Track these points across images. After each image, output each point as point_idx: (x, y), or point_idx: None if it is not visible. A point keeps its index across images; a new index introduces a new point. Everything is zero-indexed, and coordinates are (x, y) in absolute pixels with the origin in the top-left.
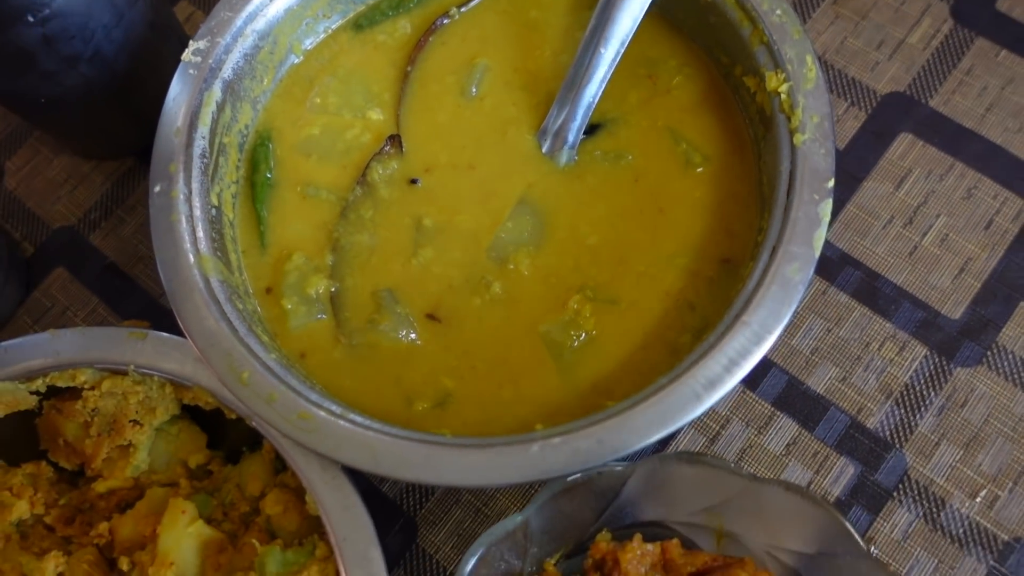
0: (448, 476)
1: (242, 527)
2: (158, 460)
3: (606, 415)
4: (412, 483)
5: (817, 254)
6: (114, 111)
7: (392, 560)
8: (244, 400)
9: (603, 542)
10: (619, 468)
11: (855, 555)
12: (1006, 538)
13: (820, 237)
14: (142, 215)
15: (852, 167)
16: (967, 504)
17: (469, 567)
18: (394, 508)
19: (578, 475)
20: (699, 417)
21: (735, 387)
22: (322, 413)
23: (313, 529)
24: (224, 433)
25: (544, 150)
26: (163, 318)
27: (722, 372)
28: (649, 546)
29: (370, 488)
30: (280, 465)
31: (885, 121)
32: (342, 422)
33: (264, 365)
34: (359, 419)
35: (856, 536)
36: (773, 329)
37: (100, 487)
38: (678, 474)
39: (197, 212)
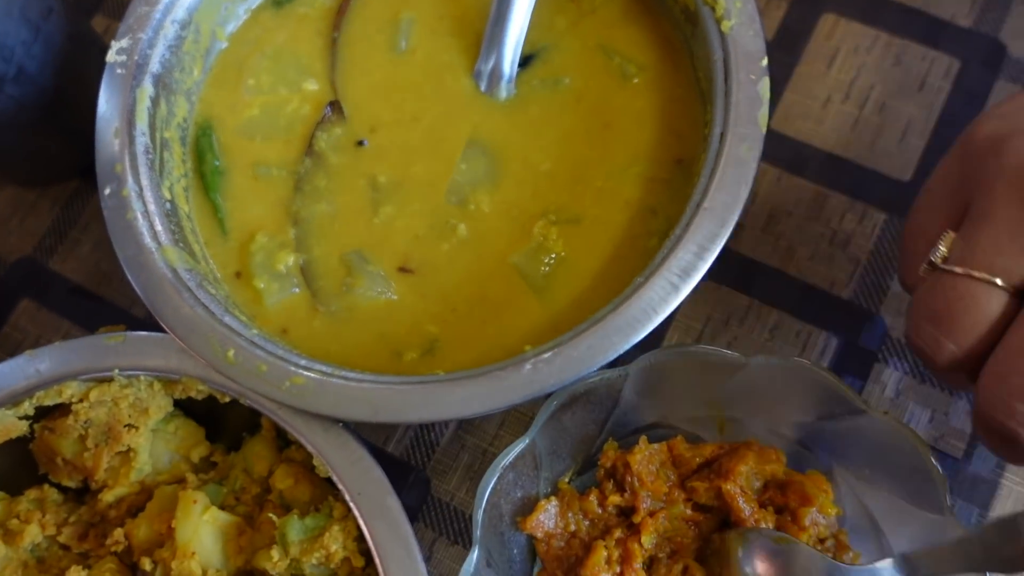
0: (449, 410)
1: (256, 508)
2: (160, 460)
3: (590, 323)
4: (415, 423)
5: (764, 130)
6: (48, 131)
7: (411, 515)
8: (234, 378)
9: (611, 450)
10: (614, 374)
11: (853, 413)
12: None
13: (764, 115)
14: (97, 232)
15: (782, 55)
16: None
17: (485, 497)
18: (403, 465)
19: (576, 386)
20: (680, 306)
21: (707, 274)
22: (313, 375)
23: (327, 494)
24: (221, 424)
25: (483, 89)
26: (137, 328)
27: (694, 259)
28: (655, 446)
29: (375, 449)
30: (283, 443)
31: (806, 5)
32: (335, 380)
33: (248, 340)
34: (351, 374)
35: (850, 393)
36: (735, 208)
37: (108, 497)
38: (671, 369)
39: (152, 207)
